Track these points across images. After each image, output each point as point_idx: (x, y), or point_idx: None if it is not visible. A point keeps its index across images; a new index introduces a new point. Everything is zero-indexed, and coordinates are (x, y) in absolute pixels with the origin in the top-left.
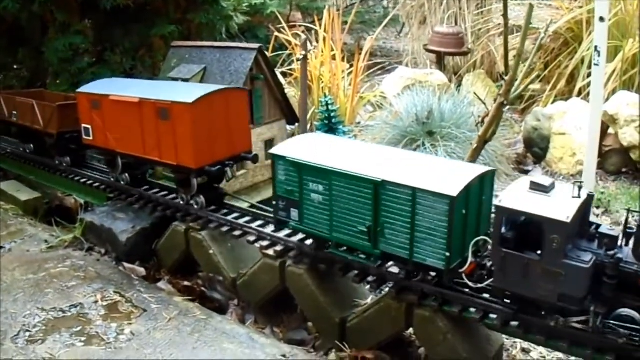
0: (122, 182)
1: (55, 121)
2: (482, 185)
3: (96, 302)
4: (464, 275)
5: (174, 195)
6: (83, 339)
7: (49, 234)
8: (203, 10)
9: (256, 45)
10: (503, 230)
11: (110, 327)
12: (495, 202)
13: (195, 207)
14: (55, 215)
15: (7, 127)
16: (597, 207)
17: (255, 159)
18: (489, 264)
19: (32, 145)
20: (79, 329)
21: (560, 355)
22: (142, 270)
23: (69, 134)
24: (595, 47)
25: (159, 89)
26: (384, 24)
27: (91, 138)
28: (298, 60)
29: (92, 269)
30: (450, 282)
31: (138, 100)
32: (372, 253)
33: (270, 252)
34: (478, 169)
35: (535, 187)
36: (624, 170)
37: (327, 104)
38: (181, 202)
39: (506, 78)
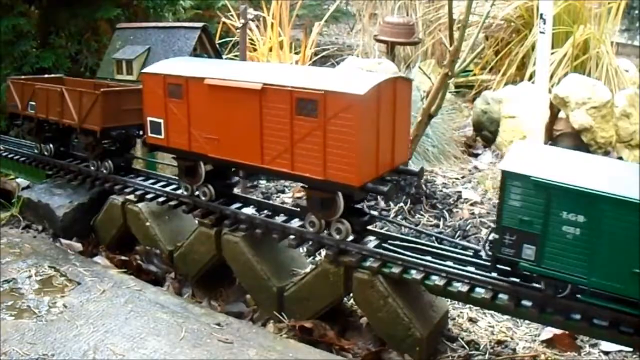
0: (204, 198)
1: (99, 114)
2: None
3: (30, 277)
4: None
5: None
6: (14, 312)
7: None
8: None
9: (200, 24)
10: None
11: (43, 300)
12: None
13: (337, 237)
14: None
15: (22, 122)
16: None
17: (421, 174)
18: None
19: (51, 146)
20: (10, 303)
21: (510, 324)
22: (78, 246)
23: (115, 130)
24: (541, 14)
25: (285, 73)
26: (330, 11)
27: (162, 137)
28: (237, 29)
29: (27, 246)
30: None
31: (260, 87)
32: None
33: (206, 220)
34: None
35: None
36: None
37: None
38: (310, 229)
39: (450, 49)
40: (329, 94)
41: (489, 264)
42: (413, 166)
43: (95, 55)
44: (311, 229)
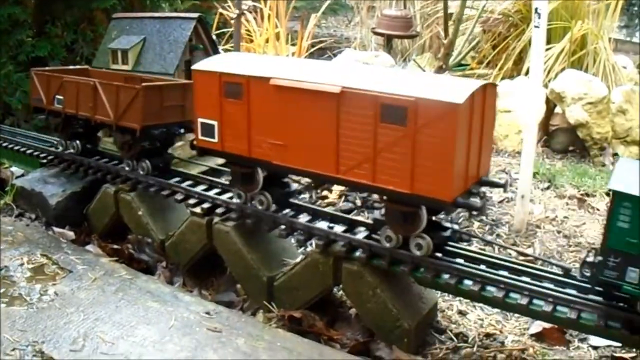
0: (260, 206)
1: (140, 110)
2: None
3: (22, 264)
4: None
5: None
6: (6, 300)
7: None
8: None
9: (195, 15)
10: None
11: (34, 288)
12: None
13: (417, 253)
14: None
15: (47, 117)
16: (541, 182)
17: (506, 186)
18: None
19: (78, 142)
20: (2, 291)
21: (499, 317)
22: (71, 234)
23: (157, 128)
24: (536, 9)
25: (365, 75)
26: (327, 3)
27: (216, 140)
28: (232, 20)
29: (20, 234)
30: None
31: (339, 91)
32: None
33: (198, 209)
34: None
35: None
36: (570, 148)
37: None
38: (386, 244)
39: (445, 41)
40: (421, 101)
41: (587, 285)
42: None
43: (91, 45)
44: (387, 244)
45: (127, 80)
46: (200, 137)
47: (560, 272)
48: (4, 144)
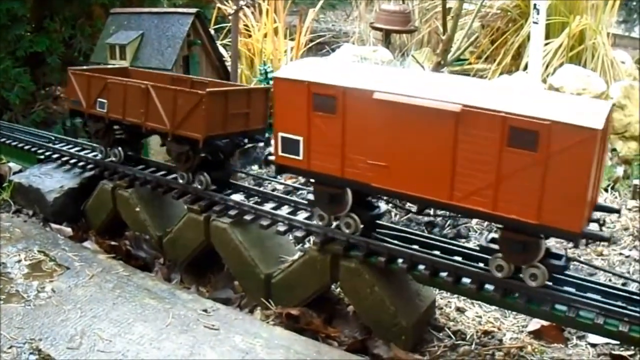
0: (347, 230)
1: (204, 119)
2: None
3: (19, 261)
4: None
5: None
6: (3, 297)
7: None
8: None
9: (193, 10)
10: None
11: (32, 285)
12: None
13: (532, 284)
14: None
15: (86, 122)
16: None
17: (620, 211)
18: None
19: (120, 150)
20: None
21: (498, 315)
22: (68, 231)
23: (221, 139)
24: (534, 5)
25: (485, 93)
26: None
27: (300, 158)
28: (229, 15)
29: (18, 230)
30: None
31: (460, 110)
32: None
33: (195, 206)
34: None
35: None
36: None
37: (266, 72)
38: (497, 274)
39: (443, 37)
40: (556, 125)
41: None
42: None
43: (90, 40)
44: (498, 274)
45: (174, 83)
46: (280, 153)
47: None
48: (2, 140)
